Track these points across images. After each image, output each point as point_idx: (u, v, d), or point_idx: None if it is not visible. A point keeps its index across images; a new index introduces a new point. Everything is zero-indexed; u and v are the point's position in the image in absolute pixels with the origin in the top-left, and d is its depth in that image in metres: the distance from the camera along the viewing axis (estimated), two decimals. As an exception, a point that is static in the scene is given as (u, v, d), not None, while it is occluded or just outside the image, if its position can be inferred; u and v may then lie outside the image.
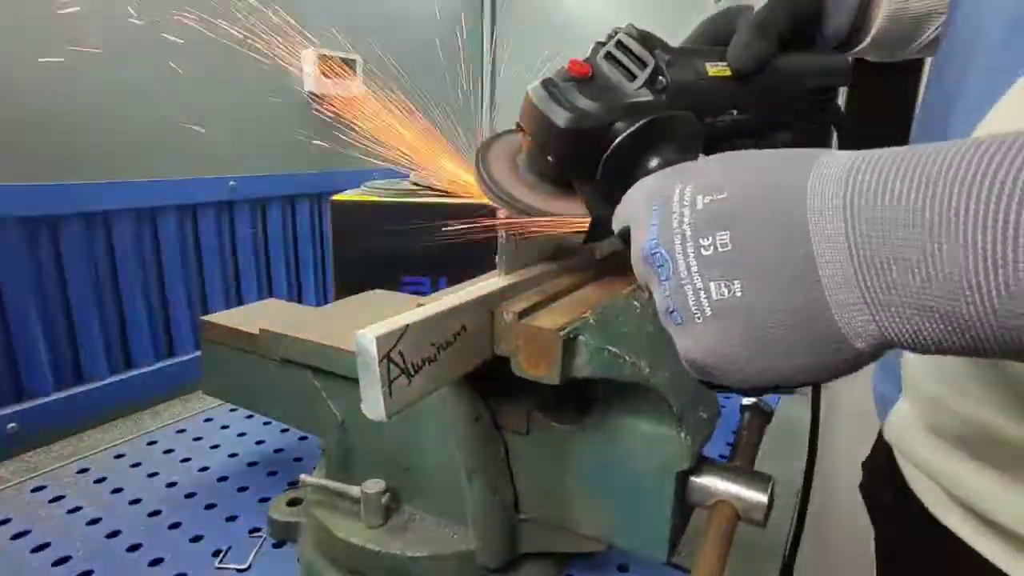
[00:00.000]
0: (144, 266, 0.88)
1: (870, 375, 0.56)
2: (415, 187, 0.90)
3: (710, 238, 0.25)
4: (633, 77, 0.37)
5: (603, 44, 0.40)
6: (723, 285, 0.25)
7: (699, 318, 0.26)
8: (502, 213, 0.42)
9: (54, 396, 0.79)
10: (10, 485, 0.69)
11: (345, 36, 0.97)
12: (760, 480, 0.42)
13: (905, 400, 0.43)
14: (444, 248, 0.52)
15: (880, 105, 0.84)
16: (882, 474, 0.52)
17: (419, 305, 0.37)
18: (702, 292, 0.25)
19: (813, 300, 0.23)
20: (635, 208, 0.29)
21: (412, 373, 0.31)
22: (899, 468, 0.47)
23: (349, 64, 1.13)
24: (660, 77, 0.37)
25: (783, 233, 0.24)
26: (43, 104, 0.74)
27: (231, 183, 0.95)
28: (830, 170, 0.23)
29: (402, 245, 0.86)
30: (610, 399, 0.44)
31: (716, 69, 0.40)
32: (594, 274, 0.48)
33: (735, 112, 0.42)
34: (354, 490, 0.51)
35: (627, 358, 0.38)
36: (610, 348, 0.38)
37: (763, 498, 0.41)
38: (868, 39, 0.49)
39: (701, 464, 0.44)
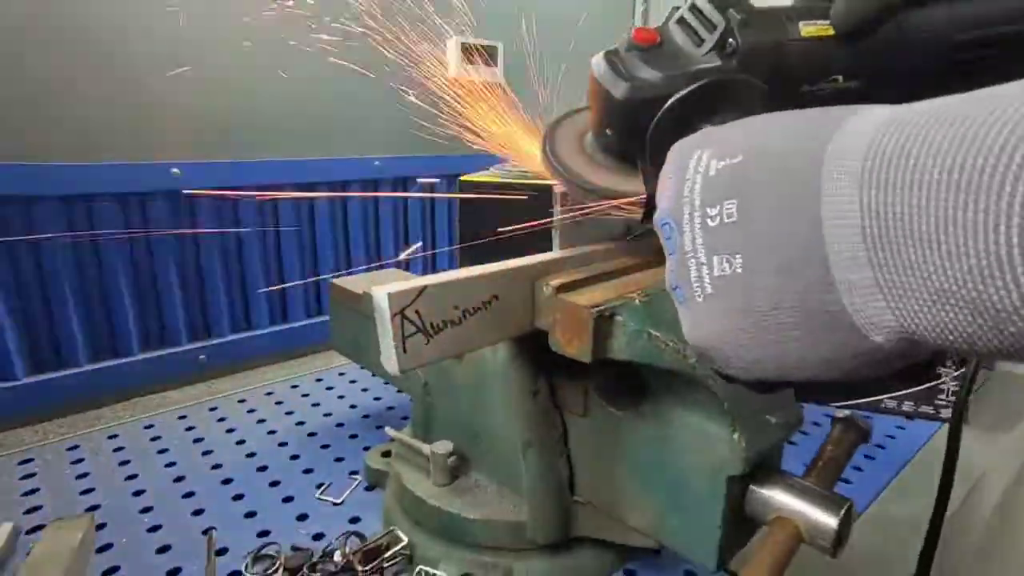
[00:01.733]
0: (300, 237, 1.02)
1: None
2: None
3: (717, 207, 0.23)
4: (701, 42, 0.34)
5: (679, 8, 0.37)
6: (725, 260, 0.22)
7: (700, 296, 0.23)
8: (559, 188, 0.41)
9: (230, 337, 0.96)
10: (198, 402, 0.86)
11: (488, 24, 1.02)
12: (831, 501, 0.37)
13: None
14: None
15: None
16: None
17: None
18: (704, 267, 0.23)
19: (819, 281, 0.20)
20: (662, 177, 0.27)
21: (431, 333, 0.33)
22: None
23: (490, 52, 1.17)
24: (730, 40, 0.33)
25: (791, 201, 0.20)
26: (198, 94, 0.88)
27: (376, 163, 1.06)
28: (859, 127, 0.20)
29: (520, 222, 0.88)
30: (664, 387, 0.41)
31: (814, 28, 0.35)
32: (659, 257, 0.45)
33: (841, 79, 0.36)
34: (426, 448, 0.55)
35: (669, 343, 0.36)
36: (651, 331, 0.36)
37: (831, 521, 0.36)
38: None
39: (767, 474, 0.39)
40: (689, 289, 0.24)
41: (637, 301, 0.37)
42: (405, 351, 0.32)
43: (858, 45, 0.35)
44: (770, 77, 0.35)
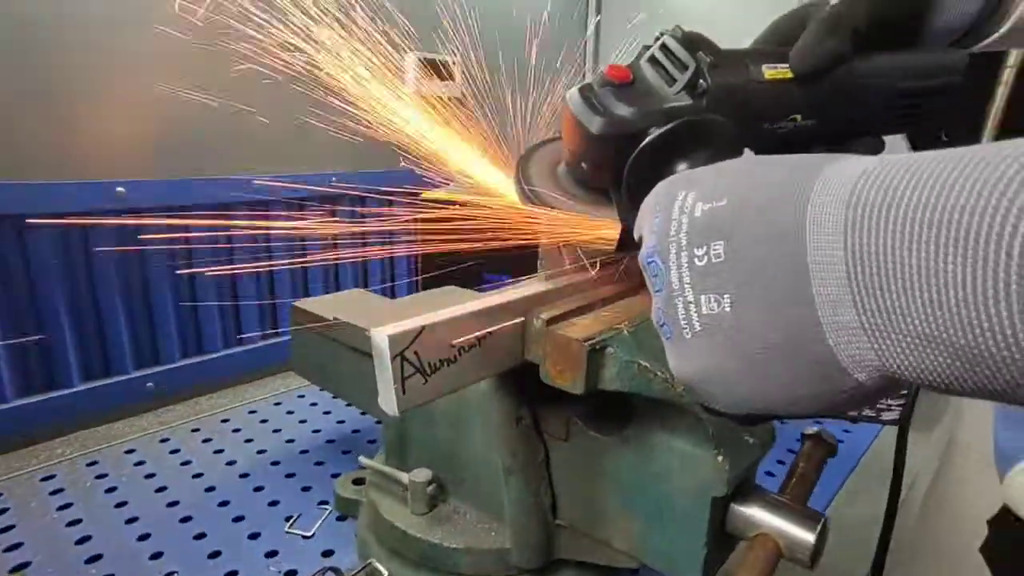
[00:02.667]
0: (255, 254, 0.98)
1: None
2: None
3: (704, 248, 0.24)
4: (673, 81, 0.36)
5: (649, 47, 0.38)
6: (713, 299, 0.23)
7: (688, 333, 0.24)
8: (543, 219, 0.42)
9: (181, 363, 0.91)
10: (147, 433, 0.81)
11: (444, 38, 1.01)
12: (809, 517, 0.39)
13: None
14: (525, 247, 0.53)
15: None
16: (1019, 542, 0.45)
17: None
18: (692, 306, 0.24)
19: (806, 321, 0.21)
20: (643, 215, 0.28)
21: (429, 373, 0.33)
22: None
23: (447, 66, 1.17)
24: (700, 80, 0.35)
25: (777, 244, 0.22)
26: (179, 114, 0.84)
27: (332, 178, 1.04)
28: (838, 177, 0.21)
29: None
30: (650, 413, 0.43)
31: (775, 71, 0.37)
32: (643, 283, 0.46)
33: (799, 117, 0.38)
34: (403, 476, 0.54)
35: (658, 373, 0.37)
36: (640, 362, 0.37)
37: (809, 537, 0.38)
38: (1004, 28, 0.41)
39: (746, 492, 0.41)
40: (677, 326, 0.25)
41: (625, 332, 0.38)
42: (404, 392, 0.32)
43: (814, 88, 0.38)
44: (736, 115, 0.37)
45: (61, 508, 0.64)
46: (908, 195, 0.18)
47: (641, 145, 0.35)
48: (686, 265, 0.24)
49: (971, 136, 0.98)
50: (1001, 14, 0.40)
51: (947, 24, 0.41)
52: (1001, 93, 0.99)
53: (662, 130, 0.35)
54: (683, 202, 0.25)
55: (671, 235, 0.25)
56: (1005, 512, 0.54)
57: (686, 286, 0.24)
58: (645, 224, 0.28)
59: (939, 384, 0.19)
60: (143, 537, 0.60)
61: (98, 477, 0.70)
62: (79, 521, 0.62)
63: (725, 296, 0.23)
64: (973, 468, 0.87)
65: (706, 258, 0.23)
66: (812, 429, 0.46)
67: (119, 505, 0.65)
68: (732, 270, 0.23)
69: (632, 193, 0.36)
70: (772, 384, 0.23)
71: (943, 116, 0.43)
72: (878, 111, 0.41)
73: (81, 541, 0.59)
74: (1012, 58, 0.98)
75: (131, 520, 0.62)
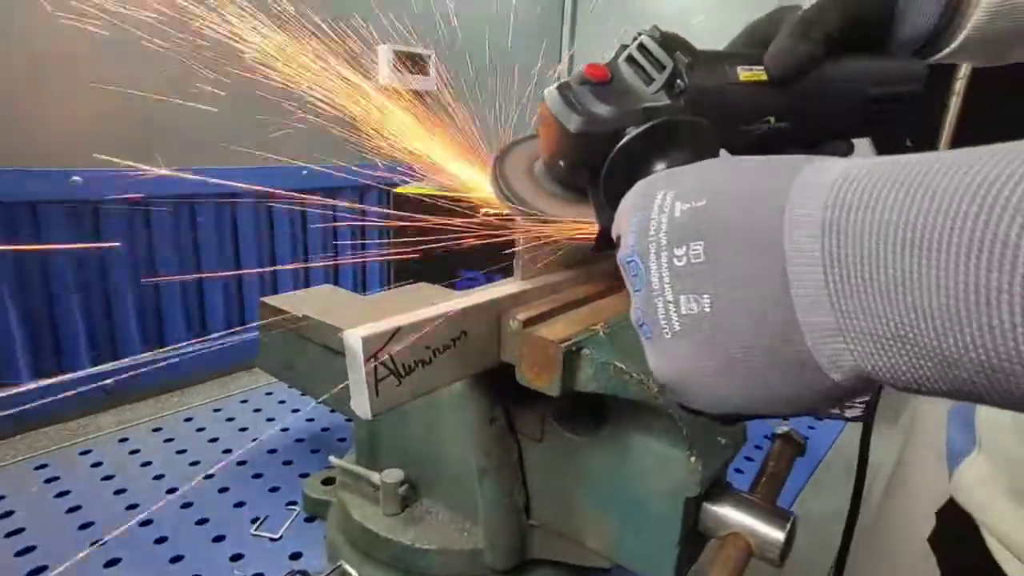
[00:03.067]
0: (221, 247, 0.95)
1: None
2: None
3: (684, 248, 0.24)
4: (651, 80, 0.36)
5: (627, 47, 0.38)
6: (692, 299, 0.23)
7: (667, 333, 0.24)
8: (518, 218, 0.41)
9: (141, 358, 0.88)
10: (105, 433, 0.78)
11: (420, 32, 1.00)
12: (779, 516, 0.39)
13: (979, 454, 0.39)
14: (502, 244, 0.52)
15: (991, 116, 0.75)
16: (961, 536, 0.46)
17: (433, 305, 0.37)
18: (671, 305, 0.24)
19: (784, 322, 0.21)
20: (622, 214, 0.28)
21: (402, 375, 0.32)
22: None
23: (421, 60, 1.15)
24: (678, 80, 0.35)
25: (756, 245, 0.22)
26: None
27: (303, 172, 1.01)
28: (817, 178, 0.21)
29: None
30: (624, 415, 0.43)
31: (750, 74, 0.37)
32: (618, 284, 0.46)
33: (772, 119, 0.39)
34: (375, 477, 0.53)
35: (634, 375, 0.37)
36: (616, 363, 0.37)
37: (779, 535, 0.39)
38: (956, 43, 0.43)
39: (718, 491, 0.42)
40: (656, 326, 0.25)
41: (601, 333, 0.38)
42: (377, 395, 0.31)
43: (787, 91, 0.38)
44: (712, 116, 0.37)
45: (5, 515, 0.61)
46: (887, 197, 0.18)
47: (619, 144, 0.35)
48: (666, 265, 0.24)
49: (930, 144, 1.01)
50: (952, 30, 0.42)
51: (909, 35, 0.42)
52: (954, 103, 1.03)
53: (640, 129, 0.34)
54: (663, 201, 0.25)
55: (651, 235, 0.25)
56: (951, 504, 0.56)
57: (666, 286, 0.24)
58: (624, 223, 0.27)
59: (912, 385, 0.19)
60: (98, 543, 0.57)
61: (48, 481, 0.67)
62: (21, 530, 0.59)
63: (704, 296, 0.23)
64: (926, 463, 0.90)
65: (685, 258, 0.23)
66: (782, 429, 0.47)
67: (72, 510, 0.62)
68: (711, 271, 0.23)
69: (610, 192, 0.36)
70: (751, 384, 0.23)
71: (908, 122, 0.44)
72: (848, 115, 0.42)
73: (25, 551, 0.56)
74: (963, 70, 1.02)
75: (85, 525, 0.60)
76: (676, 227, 0.24)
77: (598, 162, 0.36)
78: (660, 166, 0.35)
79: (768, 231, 0.21)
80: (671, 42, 0.36)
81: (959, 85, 1.01)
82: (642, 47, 0.37)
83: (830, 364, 0.21)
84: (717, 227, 0.23)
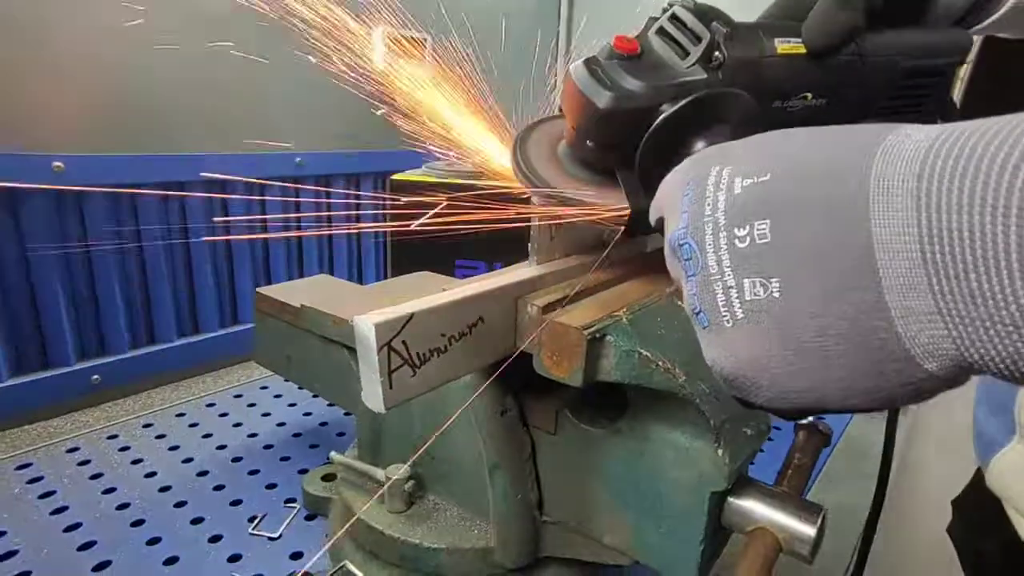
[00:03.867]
0: (213, 236, 0.92)
1: (971, 396, 0.49)
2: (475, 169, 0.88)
3: (747, 227, 0.21)
4: (686, 54, 0.33)
5: (657, 19, 0.36)
6: (758, 283, 0.21)
7: (729, 321, 0.22)
8: (539, 201, 0.39)
9: (130, 353, 0.85)
10: (92, 430, 0.75)
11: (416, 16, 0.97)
12: (809, 510, 0.37)
13: (1021, 442, 0.37)
14: (501, 232, 0.50)
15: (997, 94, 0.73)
16: (984, 524, 0.45)
17: (443, 290, 0.35)
18: (733, 291, 0.22)
19: (870, 305, 0.19)
20: (669, 194, 0.26)
21: (417, 364, 0.30)
22: (1008, 520, 0.40)
23: (418, 44, 1.12)
24: (716, 53, 0.33)
25: (836, 222, 0.19)
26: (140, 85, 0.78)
27: (297, 159, 0.98)
28: (903, 147, 0.19)
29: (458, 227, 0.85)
30: (645, 405, 0.41)
31: (788, 46, 0.35)
32: (639, 267, 0.44)
33: (809, 96, 0.36)
34: (379, 473, 0.51)
35: (659, 363, 0.35)
36: (641, 351, 0.35)
37: (810, 531, 0.37)
38: (1001, 11, 0.41)
39: (742, 484, 0.40)
40: (716, 314, 0.23)
41: (624, 319, 0.36)
42: (391, 386, 0.28)
43: (826, 64, 0.36)
44: (750, 91, 0.35)
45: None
46: (996, 162, 0.16)
47: (657, 121, 0.32)
48: (725, 247, 0.22)
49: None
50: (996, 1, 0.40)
51: (948, 5, 0.40)
52: (962, 77, 1.01)
53: (680, 104, 0.32)
54: (718, 178, 0.23)
55: (706, 214, 0.23)
56: (969, 494, 0.55)
57: (726, 270, 0.22)
58: (670, 204, 0.25)
59: None
60: (86, 546, 0.55)
61: (31, 481, 0.64)
62: (2, 534, 0.56)
63: (773, 280, 0.21)
64: (932, 451, 0.89)
65: (749, 238, 0.21)
66: (806, 419, 0.45)
67: (57, 511, 0.59)
68: (781, 251, 0.21)
69: (645, 172, 0.33)
70: (826, 376, 0.21)
71: (942, 97, 0.42)
72: (885, 90, 0.40)
73: (6, 557, 0.53)
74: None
75: (72, 527, 0.57)
76: (736, 204, 0.22)
77: (629, 142, 0.34)
78: (700, 144, 0.33)
79: (849, 204, 0.19)
80: (706, 12, 0.34)
81: (962, 69, 0.99)
82: (675, 18, 0.35)
83: (925, 353, 0.18)
84: (786, 202, 0.21)
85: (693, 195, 0.23)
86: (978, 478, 0.48)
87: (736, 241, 0.22)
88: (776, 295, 0.21)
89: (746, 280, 0.21)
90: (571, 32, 1.53)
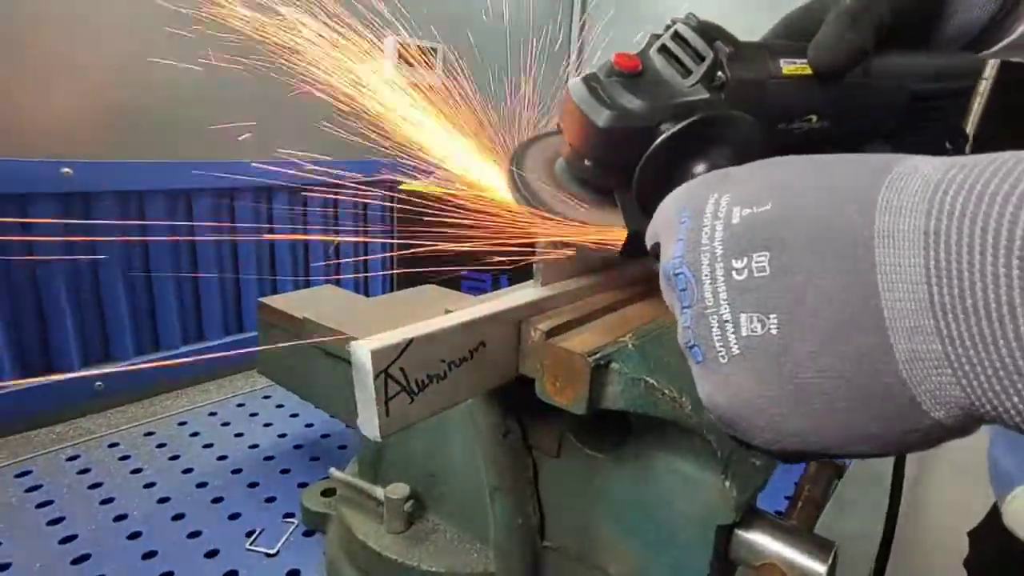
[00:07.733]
0: (219, 245, 0.92)
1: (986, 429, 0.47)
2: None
3: (744, 259, 0.20)
4: (688, 72, 0.32)
5: (659, 36, 0.35)
6: (756, 319, 0.20)
7: (724, 357, 0.21)
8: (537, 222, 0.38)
9: (134, 360, 0.85)
10: (94, 437, 0.75)
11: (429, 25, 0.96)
12: (820, 545, 0.36)
13: None
14: (507, 246, 0.49)
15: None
16: (1003, 559, 0.43)
17: (447, 312, 0.34)
18: (729, 325, 0.21)
19: (874, 347, 0.18)
20: (665, 220, 0.25)
21: (415, 391, 0.29)
22: None
23: (429, 53, 1.12)
24: (719, 73, 0.32)
25: (839, 258, 0.18)
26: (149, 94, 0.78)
27: (305, 166, 0.98)
28: (911, 181, 0.18)
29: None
30: (650, 431, 0.39)
31: (793, 67, 0.34)
32: (644, 291, 0.43)
33: (815, 118, 0.35)
34: (378, 492, 0.50)
35: (666, 392, 0.34)
36: (647, 379, 0.34)
37: (821, 569, 0.35)
38: (1013, 35, 0.39)
39: (751, 517, 0.38)
40: (709, 348, 0.22)
41: (630, 345, 0.35)
42: (388, 414, 0.28)
43: (831, 86, 0.35)
44: (753, 113, 0.34)
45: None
46: (1011, 201, 0.15)
47: (657, 141, 0.31)
48: (722, 279, 0.21)
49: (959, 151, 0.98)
50: (1009, 23, 0.38)
51: (959, 27, 0.39)
52: (977, 103, 1.00)
53: (681, 125, 0.31)
54: (716, 206, 0.22)
55: (703, 243, 0.22)
56: (984, 525, 0.53)
57: (722, 303, 0.21)
58: (666, 230, 0.24)
59: None
60: (81, 559, 0.54)
61: (29, 490, 0.63)
62: None
63: (771, 316, 0.20)
64: (947, 479, 0.87)
65: (747, 271, 0.20)
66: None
67: (54, 522, 0.58)
68: (779, 286, 0.20)
69: (644, 194, 0.32)
70: (826, 419, 0.19)
71: (954, 122, 0.41)
72: (893, 113, 0.39)
73: (1, 568, 0.52)
74: (989, 70, 0.98)
75: (68, 539, 0.56)
76: (734, 235, 0.21)
77: (628, 161, 0.33)
78: (700, 167, 0.32)
79: (853, 241, 0.18)
80: (709, 31, 0.33)
81: (983, 86, 0.97)
82: (677, 36, 0.34)
83: (932, 400, 0.17)
84: (786, 236, 0.20)
85: (690, 222, 0.23)
86: (995, 511, 0.47)
87: (733, 273, 0.21)
88: (774, 332, 0.20)
89: (743, 315, 0.20)
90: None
